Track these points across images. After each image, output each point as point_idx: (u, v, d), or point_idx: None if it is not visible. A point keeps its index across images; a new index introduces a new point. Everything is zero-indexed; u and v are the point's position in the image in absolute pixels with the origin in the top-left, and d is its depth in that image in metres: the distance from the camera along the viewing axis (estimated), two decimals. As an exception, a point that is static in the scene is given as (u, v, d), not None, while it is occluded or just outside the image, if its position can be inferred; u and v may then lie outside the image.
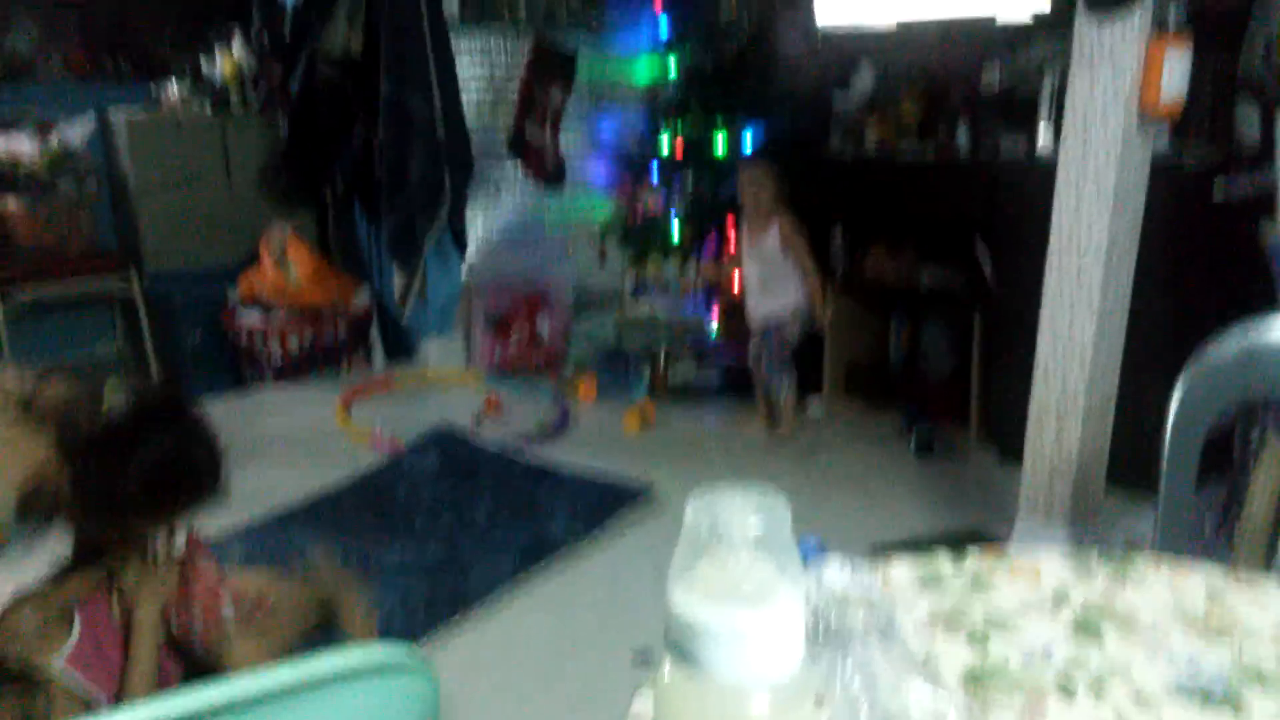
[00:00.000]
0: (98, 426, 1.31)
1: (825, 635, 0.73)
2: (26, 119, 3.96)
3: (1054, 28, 2.79)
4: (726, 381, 3.98)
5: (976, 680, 0.80)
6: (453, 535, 2.60)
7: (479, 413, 3.56)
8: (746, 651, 0.57)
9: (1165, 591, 0.94)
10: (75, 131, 3.95)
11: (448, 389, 3.97)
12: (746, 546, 0.59)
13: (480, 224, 4.17)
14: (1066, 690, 0.79)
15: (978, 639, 0.87)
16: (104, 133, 4.17)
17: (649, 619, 2.16)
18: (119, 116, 4.08)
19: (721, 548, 0.59)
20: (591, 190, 4.50)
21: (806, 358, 3.74)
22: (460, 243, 3.86)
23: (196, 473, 1.34)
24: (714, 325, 4.12)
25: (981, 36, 3.21)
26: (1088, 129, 2.10)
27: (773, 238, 3.36)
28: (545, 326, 4.15)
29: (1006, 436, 3.03)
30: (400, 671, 0.64)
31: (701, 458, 3.29)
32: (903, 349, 3.83)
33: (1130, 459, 2.47)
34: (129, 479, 1.26)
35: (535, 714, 1.91)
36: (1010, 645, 0.86)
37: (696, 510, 0.59)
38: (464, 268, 4.11)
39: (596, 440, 3.41)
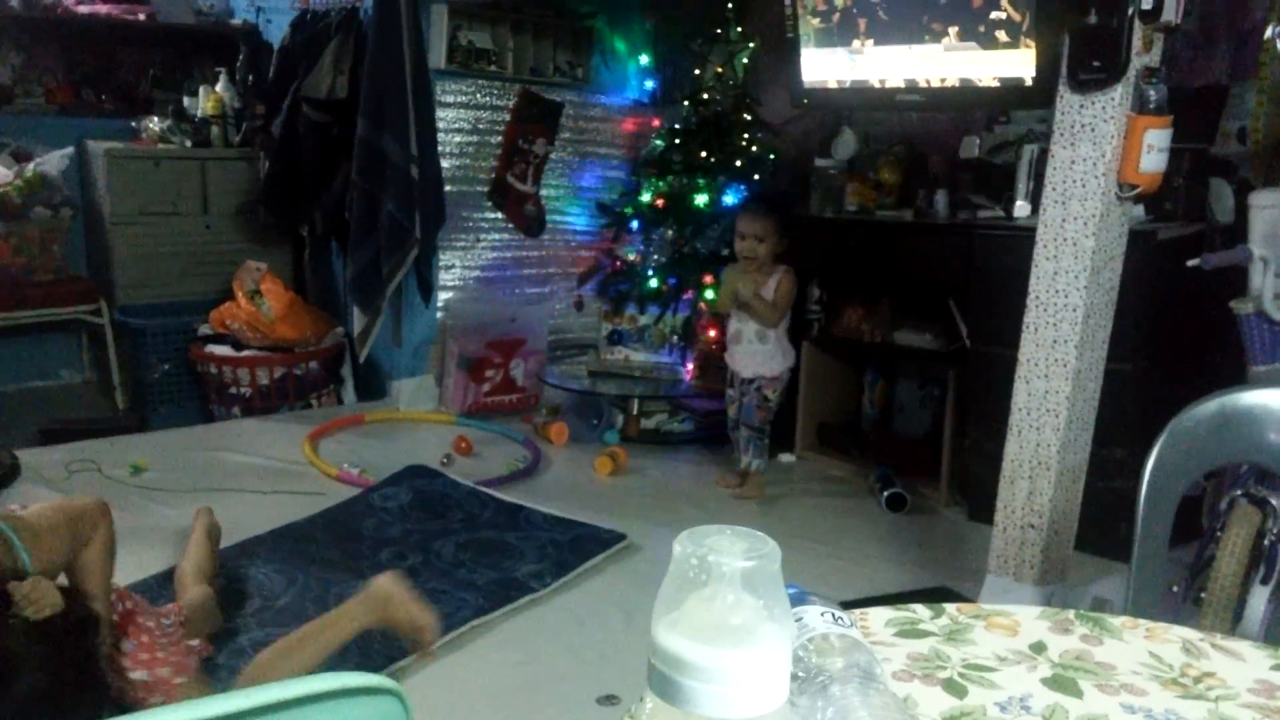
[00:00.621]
0: None
1: (806, 678, 0.72)
2: (4, 147, 3.94)
3: (1035, 101, 2.87)
4: (699, 431, 3.98)
5: (956, 730, 0.79)
6: (419, 571, 2.56)
7: (450, 453, 3.54)
8: (731, 689, 0.56)
9: (1142, 649, 0.94)
10: (52, 160, 3.93)
11: (419, 428, 3.94)
12: (734, 584, 0.58)
13: (458, 267, 4.17)
14: (1046, 744, 0.78)
15: (955, 689, 0.86)
16: (81, 163, 4.17)
17: (615, 663, 2.16)
18: (97, 147, 4.07)
19: (709, 585, 0.58)
20: (571, 239, 4.53)
21: (779, 411, 3.76)
22: (425, 289, 3.85)
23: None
24: (688, 375, 4.13)
25: (964, 106, 3.29)
26: (1067, 198, 2.15)
27: (769, 292, 3.25)
28: (520, 370, 4.14)
29: (977, 495, 3.06)
30: (374, 695, 0.63)
31: (671, 506, 3.28)
32: (875, 406, 3.86)
33: (1097, 522, 2.49)
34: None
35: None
36: (987, 696, 0.85)
37: (685, 546, 0.59)
38: (439, 309, 4.10)
39: (567, 484, 3.39)
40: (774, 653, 0.58)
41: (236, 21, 4.57)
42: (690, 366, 4.14)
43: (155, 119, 4.26)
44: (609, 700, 2.07)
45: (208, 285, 4.11)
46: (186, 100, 4.33)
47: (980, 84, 2.94)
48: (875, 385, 3.86)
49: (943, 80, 3.01)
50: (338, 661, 1.98)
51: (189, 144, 4.23)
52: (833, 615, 0.84)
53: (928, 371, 3.68)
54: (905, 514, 3.21)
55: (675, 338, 4.17)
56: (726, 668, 0.56)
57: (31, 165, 3.88)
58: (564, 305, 4.52)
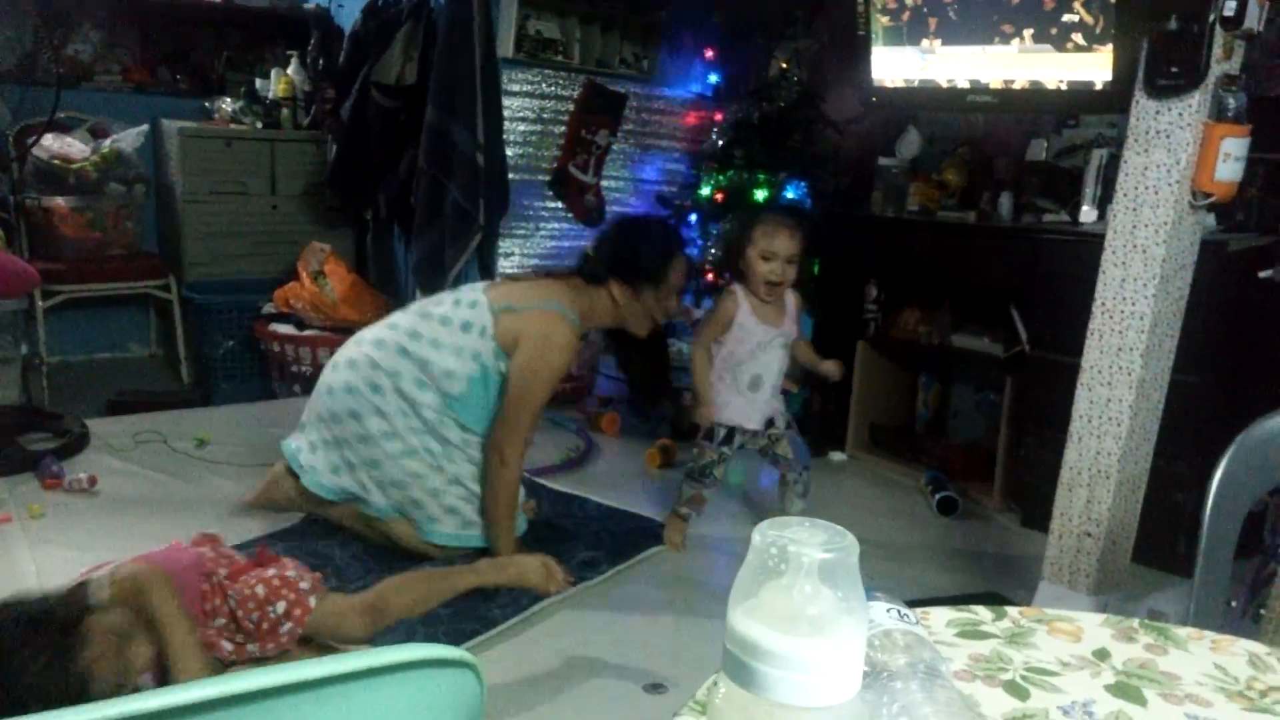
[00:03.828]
0: None
1: (871, 673, 0.73)
2: (82, 123, 4.06)
3: (1108, 105, 2.82)
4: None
5: (1018, 732, 0.80)
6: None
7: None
8: (805, 677, 0.58)
9: (1207, 660, 0.93)
10: (128, 137, 4.04)
11: (473, 415, 3.98)
12: (812, 576, 0.60)
13: (517, 255, 4.22)
14: (1109, 750, 0.78)
15: (1017, 691, 0.86)
16: (155, 141, 4.27)
17: (663, 653, 2.18)
18: (171, 126, 4.17)
19: (787, 575, 0.60)
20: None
21: (831, 412, 3.75)
22: (487, 276, 3.89)
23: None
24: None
25: (1034, 108, 3.25)
26: (1139, 205, 2.12)
27: (790, 320, 2.69)
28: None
29: (1031, 502, 3.02)
30: (449, 667, 0.65)
31: (720, 502, 3.28)
32: (929, 409, 3.83)
33: (1155, 535, 2.46)
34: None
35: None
36: (1050, 699, 0.85)
37: (765, 536, 0.60)
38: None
39: (619, 475, 3.41)
40: (849, 644, 0.59)
41: (309, 6, 4.66)
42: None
43: (228, 100, 4.36)
44: (656, 689, 2.09)
45: (273, 265, 4.20)
46: (258, 82, 4.42)
47: (1051, 87, 2.90)
48: (930, 388, 3.83)
49: (1011, 82, 2.98)
50: (407, 635, 2.05)
51: (259, 125, 4.32)
52: (898, 612, 0.85)
53: (984, 376, 3.64)
54: (956, 518, 3.19)
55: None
56: (802, 656, 0.58)
57: (108, 141, 3.99)
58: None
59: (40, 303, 3.75)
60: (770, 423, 2.72)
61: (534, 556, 2.20)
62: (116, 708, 0.47)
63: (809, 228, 2.73)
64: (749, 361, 2.65)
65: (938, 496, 3.22)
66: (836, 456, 3.73)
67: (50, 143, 3.78)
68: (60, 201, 3.85)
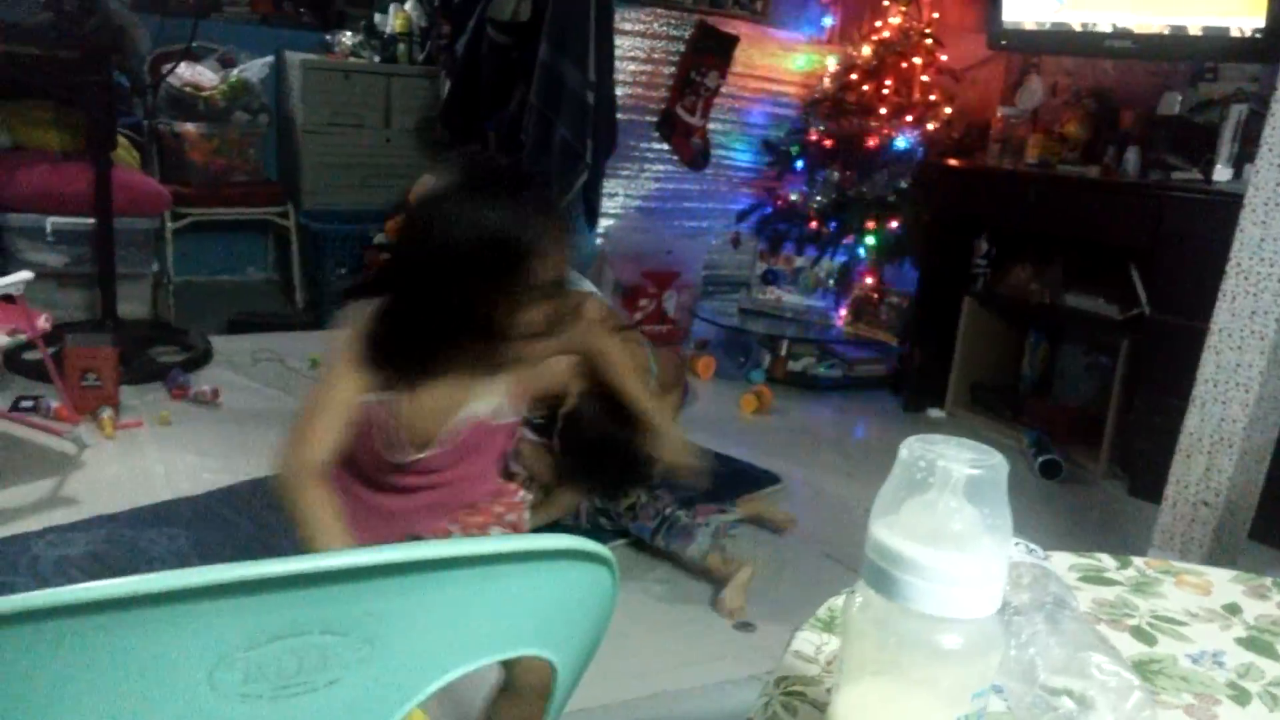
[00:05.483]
0: None
1: (1004, 604, 0.74)
2: (212, 52, 4.19)
3: (1260, 55, 2.66)
4: (846, 378, 3.95)
5: (1145, 672, 0.79)
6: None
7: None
8: (947, 588, 0.59)
9: (1344, 622, 0.91)
10: (254, 68, 4.16)
11: (571, 351, 4.04)
12: (958, 492, 0.60)
13: (621, 195, 4.23)
14: (1239, 698, 0.77)
15: (1144, 636, 0.86)
16: (279, 73, 4.39)
17: (754, 593, 2.19)
18: (294, 58, 4.28)
19: (933, 490, 0.60)
20: (734, 175, 4.51)
21: (931, 369, 3.69)
22: (591, 215, 3.91)
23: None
24: (840, 321, 4.09)
25: (1178, 56, 3.09)
26: (1282, 160, 2.01)
27: None
28: (672, 302, 4.19)
29: (1141, 470, 2.94)
30: (593, 562, 0.68)
31: (813, 450, 3.28)
32: (1035, 369, 3.73)
33: (1275, 511, 2.36)
34: None
35: (642, 662, 1.96)
36: (1178, 647, 0.85)
37: (912, 450, 0.61)
38: (599, 236, 4.18)
39: (713, 419, 3.43)
40: (991, 561, 0.60)
41: (428, -59, 4.69)
42: (843, 313, 4.10)
43: (347, 34, 4.44)
44: (745, 627, 2.13)
45: (385, 196, 4.30)
46: (377, 17, 4.49)
47: (1193, 33, 2.75)
48: (1038, 348, 3.73)
49: (1151, 27, 2.83)
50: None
51: (377, 59, 4.40)
52: (1026, 546, 0.85)
53: (1096, 337, 3.53)
54: (1059, 482, 3.12)
55: (830, 282, 4.13)
56: (946, 568, 0.58)
57: (236, 71, 4.12)
58: (720, 241, 4.52)
59: (169, 224, 3.92)
60: None
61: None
62: (275, 567, 0.50)
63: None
64: None
65: (1041, 459, 3.16)
66: (934, 414, 3.68)
67: (182, 70, 3.92)
68: (190, 127, 4.00)
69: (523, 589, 0.66)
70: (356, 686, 0.57)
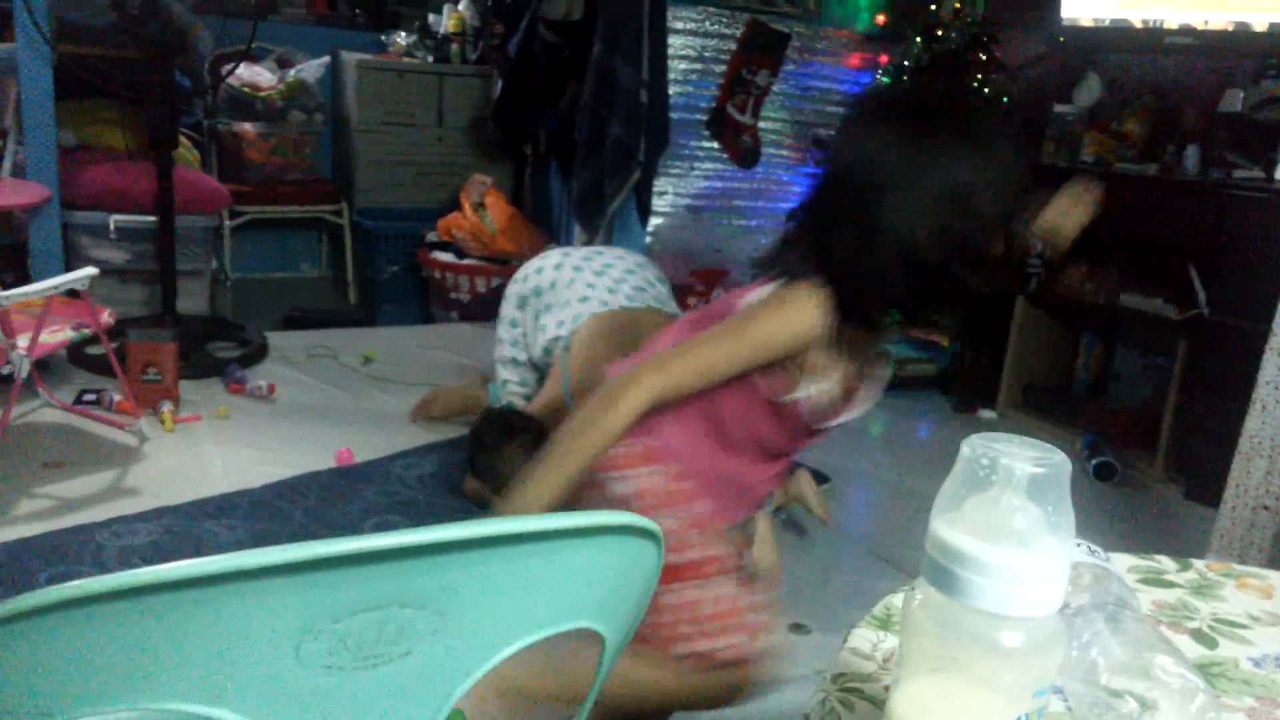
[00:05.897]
0: None
1: (1064, 605, 0.74)
2: (270, 53, 4.28)
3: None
4: (897, 376, 3.92)
5: (1206, 675, 0.79)
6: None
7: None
8: (1008, 586, 0.59)
9: None
10: (311, 68, 4.24)
11: (619, 350, 4.06)
12: (1020, 490, 0.60)
13: (670, 194, 4.24)
14: (1303, 703, 0.76)
15: (1205, 639, 0.85)
16: (334, 72, 4.46)
17: (805, 596, 2.19)
18: (350, 58, 4.35)
19: (995, 488, 0.61)
20: (784, 174, 4.50)
21: (983, 369, 3.65)
22: (644, 213, 3.92)
23: None
24: (890, 322, 4.06)
25: (1240, 52, 3.02)
26: (1350, 156, 1.96)
27: None
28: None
29: (1197, 474, 2.88)
30: (641, 536, 0.69)
31: (861, 450, 3.26)
32: (1090, 371, 3.68)
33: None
34: None
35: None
36: (1240, 650, 0.84)
37: (975, 448, 0.61)
38: (649, 234, 4.19)
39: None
40: (1054, 560, 0.60)
41: (480, -58, 4.74)
42: (893, 312, 4.06)
43: (401, 33, 4.51)
44: (799, 629, 2.11)
45: (437, 194, 4.36)
46: (431, 17, 4.55)
47: (1257, 29, 2.69)
48: (1092, 349, 3.67)
49: (1206, 24, 2.77)
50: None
51: (430, 59, 4.46)
52: (1088, 547, 0.84)
53: (1152, 339, 3.46)
54: (1112, 485, 3.07)
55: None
56: (1007, 566, 0.59)
57: (293, 71, 4.20)
58: (769, 240, 4.50)
59: (227, 221, 4.01)
60: None
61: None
62: (359, 544, 0.52)
63: None
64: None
65: (1094, 461, 3.11)
66: (986, 414, 3.64)
67: (241, 71, 4.00)
68: (248, 127, 4.09)
69: (581, 563, 0.67)
70: (427, 657, 0.59)
